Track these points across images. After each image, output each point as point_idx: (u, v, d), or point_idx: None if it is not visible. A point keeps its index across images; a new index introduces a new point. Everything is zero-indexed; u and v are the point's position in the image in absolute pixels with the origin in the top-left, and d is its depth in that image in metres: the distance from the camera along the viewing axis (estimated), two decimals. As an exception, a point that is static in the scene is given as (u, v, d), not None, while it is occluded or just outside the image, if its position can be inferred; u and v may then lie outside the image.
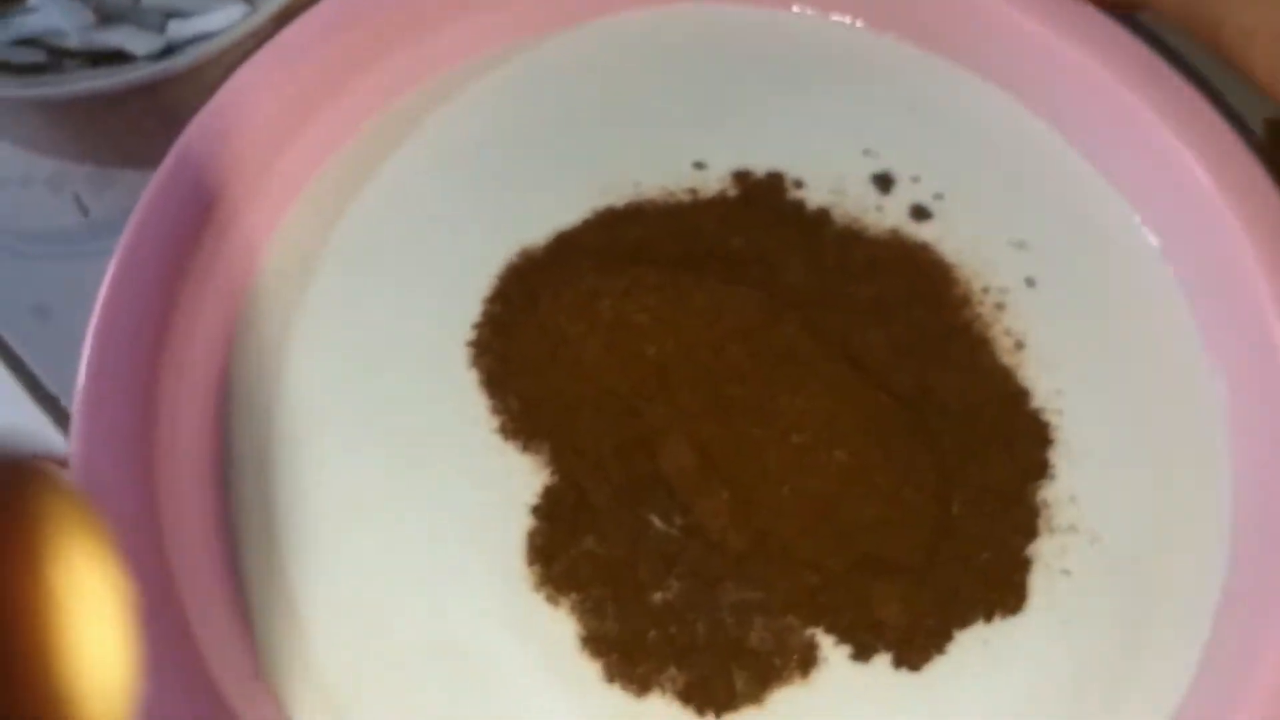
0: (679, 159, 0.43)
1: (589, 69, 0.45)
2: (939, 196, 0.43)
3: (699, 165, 0.43)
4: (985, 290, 0.41)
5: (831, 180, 0.43)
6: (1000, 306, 0.41)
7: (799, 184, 0.43)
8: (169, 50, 0.47)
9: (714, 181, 0.43)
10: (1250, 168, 0.41)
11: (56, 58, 0.47)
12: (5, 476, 0.15)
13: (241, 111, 0.41)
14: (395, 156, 0.44)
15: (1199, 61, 0.45)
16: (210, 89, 0.46)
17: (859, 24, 0.46)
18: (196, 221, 0.40)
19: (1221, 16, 0.37)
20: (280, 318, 0.41)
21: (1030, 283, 0.42)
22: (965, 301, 0.41)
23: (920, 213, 0.43)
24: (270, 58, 0.42)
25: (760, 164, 0.43)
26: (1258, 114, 0.46)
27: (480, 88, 0.45)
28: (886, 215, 0.42)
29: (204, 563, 0.37)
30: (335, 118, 0.43)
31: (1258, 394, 0.39)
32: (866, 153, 0.43)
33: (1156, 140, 0.42)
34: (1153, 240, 0.43)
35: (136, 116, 0.49)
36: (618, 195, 0.42)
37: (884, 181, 0.43)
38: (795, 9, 0.46)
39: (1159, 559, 0.38)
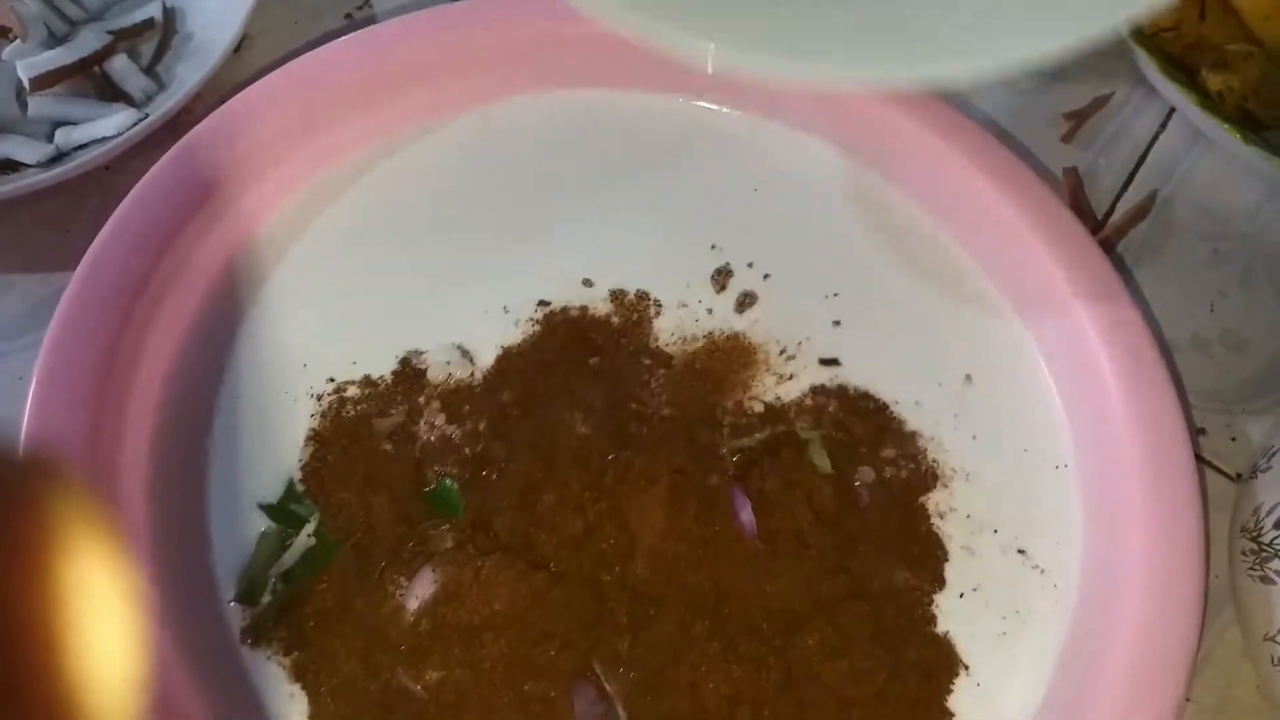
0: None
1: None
2: (767, 277, 0.47)
3: (587, 282, 0.46)
4: (784, 353, 0.45)
5: (680, 289, 0.46)
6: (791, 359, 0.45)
7: (658, 306, 0.46)
8: (58, 158, 0.48)
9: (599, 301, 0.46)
10: (1049, 202, 0.46)
11: (-58, 167, 0.48)
12: (13, 475, 0.16)
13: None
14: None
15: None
16: (102, 193, 0.47)
17: (710, 104, 0.50)
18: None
19: None
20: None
21: (837, 324, 0.46)
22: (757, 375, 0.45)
23: (745, 300, 0.46)
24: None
25: (629, 278, 0.46)
26: (1058, 164, 0.53)
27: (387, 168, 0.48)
28: (714, 315, 0.46)
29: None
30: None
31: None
32: (713, 248, 0.47)
33: (972, 185, 0.47)
34: (988, 283, 0.48)
35: (26, 225, 0.49)
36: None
37: (722, 275, 0.47)
38: (645, 93, 0.50)
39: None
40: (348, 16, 0.56)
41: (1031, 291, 0.46)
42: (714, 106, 0.50)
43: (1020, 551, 0.43)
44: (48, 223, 0.50)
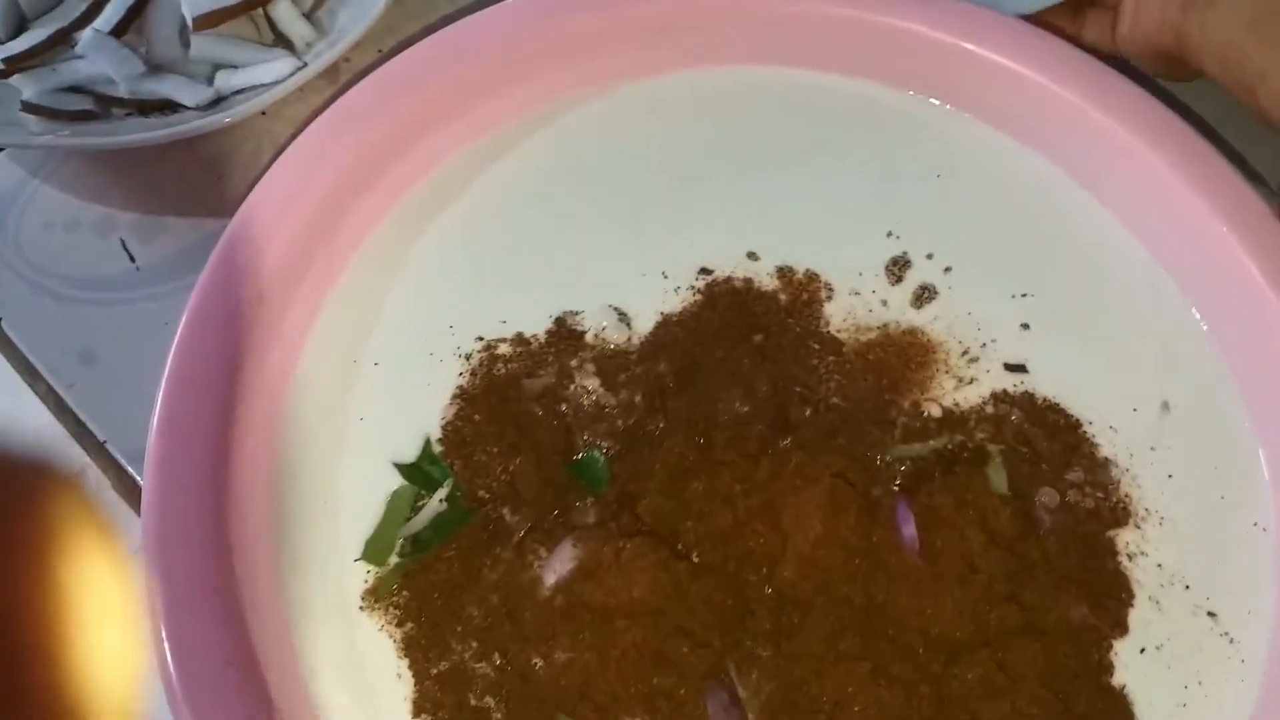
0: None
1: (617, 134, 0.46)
2: (949, 270, 0.43)
3: (752, 255, 0.43)
4: (966, 354, 0.41)
5: (851, 276, 0.43)
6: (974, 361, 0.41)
7: (829, 290, 0.43)
8: (217, 101, 0.47)
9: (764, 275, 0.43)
10: (1266, 221, 0.40)
11: (104, 105, 0.48)
12: (17, 479, 0.16)
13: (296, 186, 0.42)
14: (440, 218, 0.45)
15: (1227, 132, 0.46)
16: (256, 138, 0.46)
17: (892, 88, 0.46)
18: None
19: (1256, 80, 0.37)
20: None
21: (1025, 328, 0.42)
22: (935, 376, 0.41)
23: (924, 294, 0.43)
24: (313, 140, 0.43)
25: (798, 256, 0.43)
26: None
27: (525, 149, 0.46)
28: (889, 307, 0.42)
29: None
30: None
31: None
32: (889, 234, 0.44)
33: (1180, 201, 0.41)
34: (1192, 310, 0.42)
35: (182, 167, 0.49)
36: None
37: (898, 266, 0.43)
38: (820, 73, 0.46)
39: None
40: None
41: (1239, 324, 0.41)
42: (900, 91, 0.46)
43: (1211, 615, 0.38)
44: (202, 166, 0.49)
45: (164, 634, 0.34)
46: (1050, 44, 0.44)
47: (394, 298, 0.43)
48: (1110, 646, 0.37)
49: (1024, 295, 0.43)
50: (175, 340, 0.39)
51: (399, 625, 0.38)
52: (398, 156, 0.44)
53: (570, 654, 0.36)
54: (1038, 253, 0.43)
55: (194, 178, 0.49)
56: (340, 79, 0.51)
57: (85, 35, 0.47)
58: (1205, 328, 0.42)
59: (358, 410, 0.41)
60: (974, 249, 0.43)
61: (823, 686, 0.35)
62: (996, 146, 0.45)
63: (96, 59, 0.47)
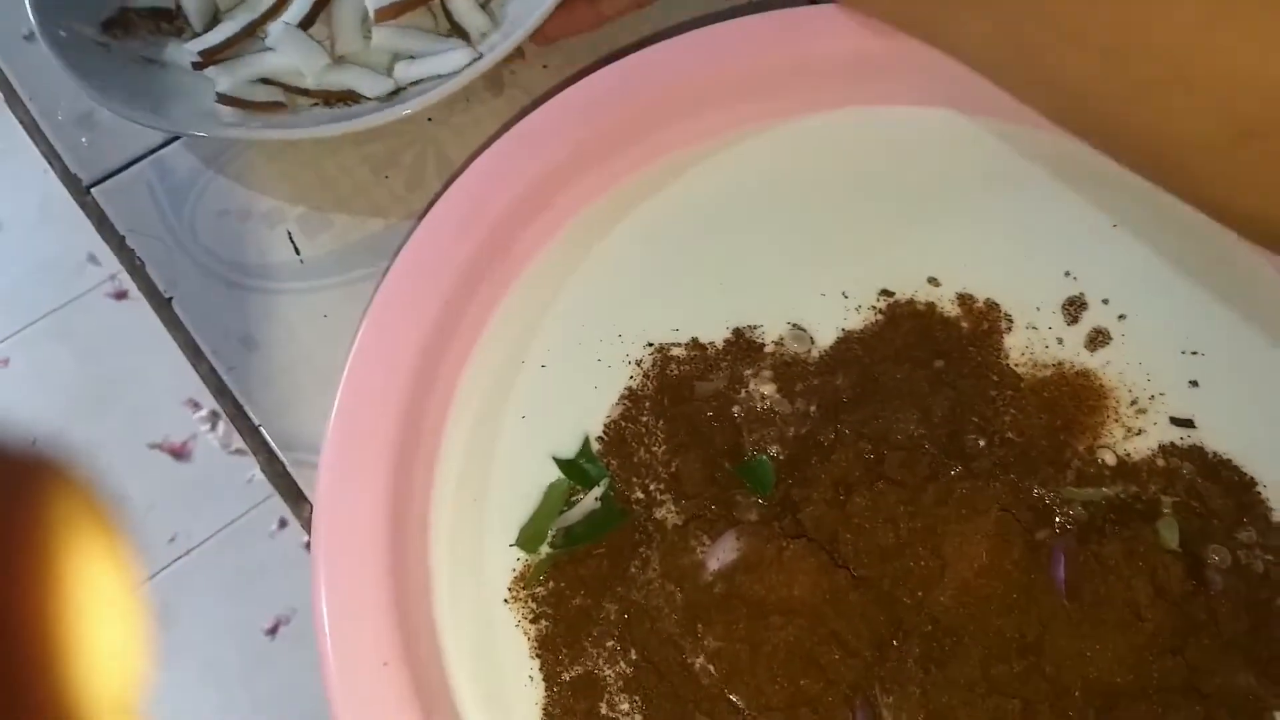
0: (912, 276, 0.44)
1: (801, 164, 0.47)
2: (1123, 318, 0.43)
3: (933, 281, 0.44)
4: (1134, 404, 0.41)
5: (1029, 311, 0.43)
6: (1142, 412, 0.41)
7: (1008, 321, 0.43)
8: (395, 92, 0.49)
9: (945, 302, 0.43)
10: None
11: (291, 96, 0.50)
12: (17, 471, 0.15)
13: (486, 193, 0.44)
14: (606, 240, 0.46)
15: None
16: (422, 142, 0.47)
17: (1073, 137, 0.45)
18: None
19: None
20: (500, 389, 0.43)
21: (1194, 385, 0.41)
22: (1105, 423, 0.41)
23: (1098, 338, 0.42)
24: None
25: (978, 284, 0.43)
26: None
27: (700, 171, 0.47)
28: (1064, 346, 0.42)
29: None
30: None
31: None
32: (1067, 274, 0.44)
33: None
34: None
35: (350, 166, 0.51)
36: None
37: (1074, 306, 0.43)
38: (1006, 121, 0.46)
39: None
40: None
41: None
42: (1077, 142, 0.46)
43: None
44: (369, 167, 0.51)
45: (327, 630, 0.35)
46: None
47: (565, 304, 0.44)
48: (1273, 718, 0.36)
49: (1195, 353, 0.42)
50: (356, 340, 0.40)
51: (534, 622, 0.38)
52: (576, 177, 0.45)
53: (722, 643, 0.36)
54: (1214, 314, 0.43)
55: (360, 177, 0.51)
56: (504, 90, 0.52)
57: (275, 28, 0.49)
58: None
59: (520, 408, 0.42)
60: (1149, 300, 0.43)
61: (970, 716, 0.35)
62: (1179, 209, 0.44)
63: (286, 50, 0.48)
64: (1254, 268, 0.44)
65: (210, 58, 0.49)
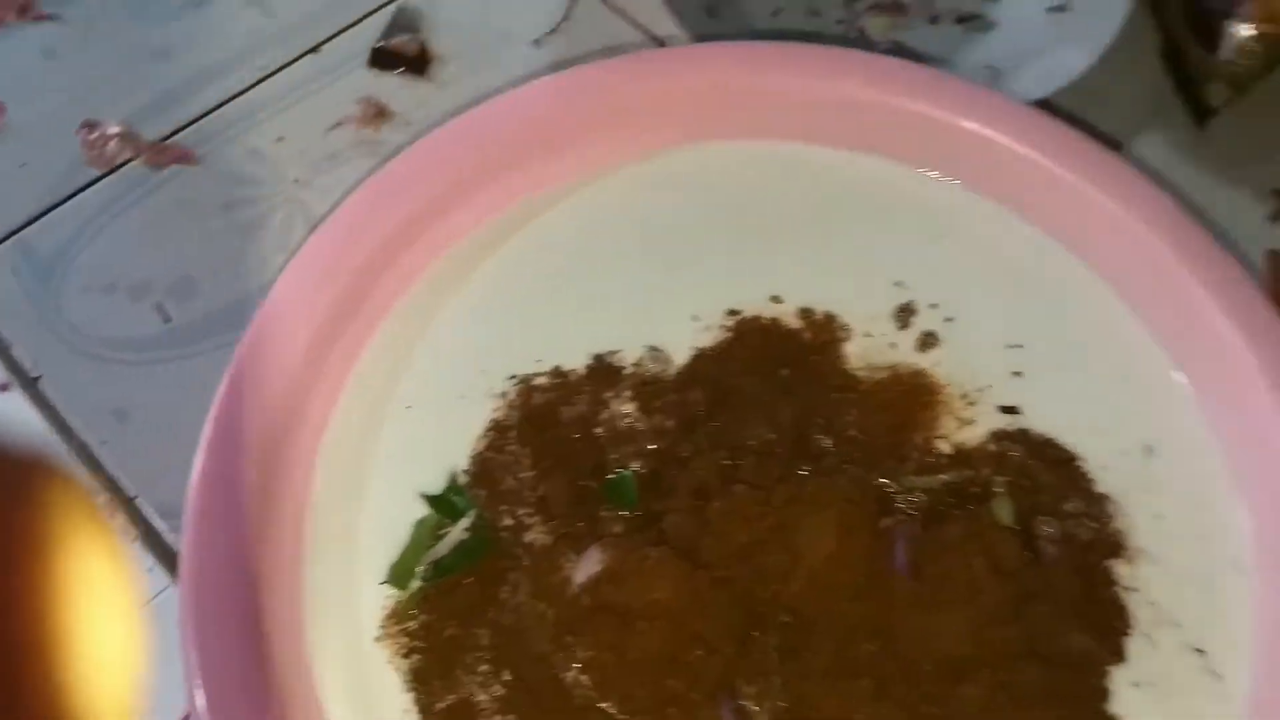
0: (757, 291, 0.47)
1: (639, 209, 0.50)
2: (950, 320, 0.46)
3: (775, 299, 0.47)
4: (965, 398, 0.44)
5: (864, 320, 0.46)
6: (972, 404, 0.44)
7: (845, 331, 0.46)
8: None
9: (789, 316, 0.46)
10: (1253, 297, 0.44)
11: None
12: (15, 473, 0.16)
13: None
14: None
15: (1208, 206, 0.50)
16: (287, 210, 0.49)
17: (894, 162, 0.50)
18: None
19: None
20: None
21: (1017, 375, 0.45)
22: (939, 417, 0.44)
23: (928, 340, 0.46)
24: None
25: (817, 300, 0.46)
26: (1259, 245, 0.50)
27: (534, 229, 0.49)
28: (898, 350, 0.46)
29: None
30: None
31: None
32: (896, 284, 0.47)
33: (1170, 273, 0.45)
34: (1169, 359, 0.45)
35: (216, 233, 0.52)
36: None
37: (905, 313, 0.46)
38: (835, 149, 0.50)
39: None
40: (535, 42, 0.58)
41: (1216, 379, 0.44)
42: (908, 166, 0.50)
43: (1199, 651, 0.40)
44: (238, 232, 0.52)
45: (199, 683, 0.36)
46: (1047, 125, 0.48)
47: (428, 345, 0.46)
48: (1108, 674, 0.39)
49: (1016, 346, 0.46)
50: (219, 394, 0.41)
51: (406, 657, 0.39)
52: (434, 224, 0.47)
53: (591, 652, 0.38)
54: (1031, 309, 0.47)
55: (228, 243, 0.52)
56: (373, 149, 0.54)
57: None
58: (1184, 380, 0.45)
59: (387, 449, 0.43)
60: (972, 302, 0.47)
61: (829, 702, 0.37)
62: (996, 216, 0.49)
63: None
64: (1066, 266, 0.48)
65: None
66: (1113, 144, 0.53)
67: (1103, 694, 0.38)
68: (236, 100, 0.56)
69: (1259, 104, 0.55)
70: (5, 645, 0.14)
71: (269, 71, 0.57)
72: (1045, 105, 0.49)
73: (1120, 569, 0.41)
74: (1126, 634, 0.40)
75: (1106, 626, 0.39)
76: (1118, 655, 0.39)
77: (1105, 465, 0.43)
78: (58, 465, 0.16)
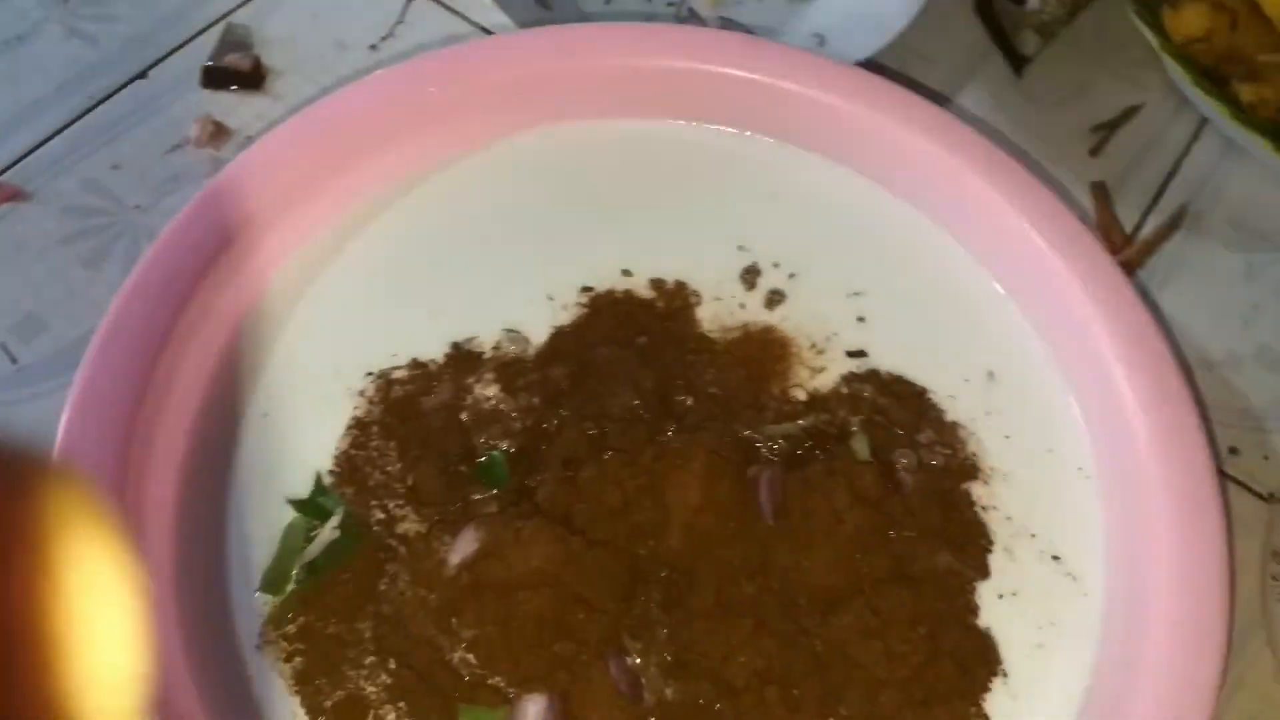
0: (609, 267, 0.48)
1: (494, 187, 0.50)
2: (793, 276, 0.48)
3: (626, 272, 0.48)
4: (814, 347, 0.46)
5: (713, 284, 0.48)
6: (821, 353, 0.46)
7: (696, 296, 0.47)
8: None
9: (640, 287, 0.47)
10: (1064, 218, 0.46)
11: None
12: (15, 470, 0.15)
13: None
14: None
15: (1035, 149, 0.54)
16: (131, 236, 0.47)
17: (726, 128, 0.52)
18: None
19: None
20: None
21: (861, 320, 0.47)
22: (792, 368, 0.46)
23: (774, 298, 0.47)
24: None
25: (666, 270, 0.48)
26: (1087, 179, 0.54)
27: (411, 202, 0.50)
28: (747, 310, 0.47)
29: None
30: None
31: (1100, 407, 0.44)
32: (740, 248, 0.49)
33: (997, 210, 0.47)
34: (999, 288, 0.48)
35: (59, 266, 0.50)
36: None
37: (750, 274, 0.48)
38: (668, 121, 0.52)
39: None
40: (372, 48, 0.58)
41: (1040, 296, 0.47)
42: (730, 130, 0.52)
43: (1055, 558, 0.42)
44: (81, 263, 0.51)
45: None
46: (867, 81, 0.50)
47: (280, 351, 0.45)
48: (974, 589, 0.41)
49: (857, 294, 0.48)
50: (62, 421, 0.40)
51: (288, 660, 0.39)
52: (273, 228, 0.47)
53: (475, 629, 0.38)
54: (866, 257, 0.49)
55: (73, 276, 0.50)
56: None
57: None
58: (1014, 304, 0.48)
59: (248, 459, 0.43)
60: (812, 257, 0.49)
61: (711, 644, 0.38)
62: (824, 171, 0.51)
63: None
64: (897, 212, 0.50)
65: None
66: (940, 99, 0.56)
67: (972, 609, 0.40)
68: (65, 132, 0.55)
69: (1068, 48, 0.58)
70: (3, 645, 0.14)
71: (96, 100, 0.56)
72: (871, 66, 0.51)
73: (976, 490, 0.43)
74: (988, 550, 0.42)
75: (968, 545, 0.41)
76: (981, 571, 0.41)
77: (952, 394, 0.45)
78: (58, 465, 0.16)
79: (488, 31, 0.58)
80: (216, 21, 0.59)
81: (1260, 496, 0.46)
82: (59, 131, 0.55)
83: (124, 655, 0.16)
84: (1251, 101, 0.50)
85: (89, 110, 0.56)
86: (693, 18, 0.58)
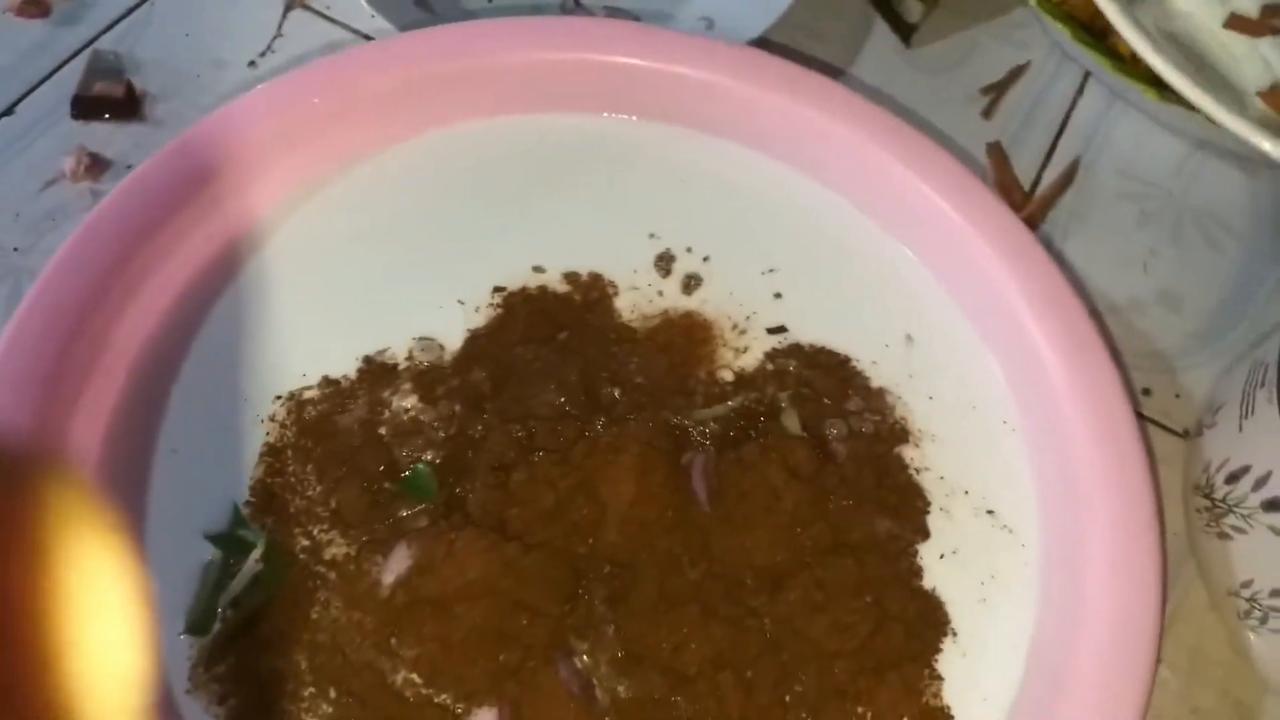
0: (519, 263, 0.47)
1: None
2: (707, 259, 0.48)
3: (538, 269, 0.47)
4: (735, 327, 0.46)
5: (628, 274, 0.47)
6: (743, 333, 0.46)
7: (613, 287, 0.47)
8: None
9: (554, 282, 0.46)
10: (962, 178, 0.47)
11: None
12: (14, 471, 0.15)
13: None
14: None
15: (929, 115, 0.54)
16: (14, 279, 0.44)
17: (625, 117, 0.51)
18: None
19: None
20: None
21: (778, 296, 0.47)
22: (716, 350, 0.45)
23: (691, 282, 0.47)
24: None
25: (579, 263, 0.47)
26: (981, 140, 0.55)
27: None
28: (665, 297, 0.47)
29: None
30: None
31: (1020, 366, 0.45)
32: (651, 236, 0.48)
33: (899, 177, 0.47)
34: (909, 252, 0.48)
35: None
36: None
37: (665, 261, 0.47)
38: (567, 114, 0.51)
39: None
40: (251, 64, 0.56)
41: (948, 257, 0.47)
42: (630, 118, 0.51)
43: (990, 512, 0.43)
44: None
45: None
46: (758, 59, 0.50)
47: (181, 383, 0.43)
48: (916, 553, 0.41)
49: (772, 270, 0.48)
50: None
51: (222, 703, 0.37)
52: (164, 255, 0.44)
53: (416, 648, 0.36)
54: (778, 234, 0.49)
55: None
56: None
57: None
58: (926, 268, 0.48)
59: (159, 498, 0.41)
60: (724, 239, 0.48)
61: (660, 636, 0.37)
62: (728, 153, 0.51)
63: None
64: (801, 188, 0.50)
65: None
66: (833, 72, 0.56)
67: (916, 572, 0.41)
68: (-72, 178, 0.52)
69: (951, 14, 0.59)
70: (3, 645, 0.14)
71: (-40, 142, 0.53)
72: (762, 45, 0.51)
73: (908, 453, 0.43)
74: (925, 511, 0.42)
75: (905, 508, 0.42)
76: (921, 532, 0.41)
77: (875, 360, 0.45)
78: (58, 465, 0.16)
79: (369, 39, 0.56)
80: (80, 50, 0.56)
81: (1176, 433, 0.47)
82: (-78, 177, 0.52)
83: (124, 655, 0.15)
84: (1130, 53, 0.51)
85: (-48, 153, 0.53)
86: (579, 9, 0.57)
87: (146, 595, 0.16)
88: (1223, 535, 0.40)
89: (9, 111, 0.54)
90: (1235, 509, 0.39)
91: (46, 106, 0.54)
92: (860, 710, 0.37)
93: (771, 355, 0.45)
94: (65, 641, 0.14)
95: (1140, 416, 0.46)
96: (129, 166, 0.52)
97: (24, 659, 0.14)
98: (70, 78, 0.55)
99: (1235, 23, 0.47)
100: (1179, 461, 0.45)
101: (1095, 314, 0.48)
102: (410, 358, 0.44)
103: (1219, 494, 0.40)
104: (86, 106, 0.54)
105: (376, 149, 0.49)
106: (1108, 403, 0.42)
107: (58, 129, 0.54)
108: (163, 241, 0.44)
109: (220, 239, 0.46)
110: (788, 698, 0.37)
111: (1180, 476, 0.45)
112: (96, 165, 0.52)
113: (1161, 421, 0.47)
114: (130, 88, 0.54)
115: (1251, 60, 0.47)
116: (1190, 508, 0.43)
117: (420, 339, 0.44)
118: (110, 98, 0.54)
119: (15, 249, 0.50)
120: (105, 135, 0.53)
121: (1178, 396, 0.48)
